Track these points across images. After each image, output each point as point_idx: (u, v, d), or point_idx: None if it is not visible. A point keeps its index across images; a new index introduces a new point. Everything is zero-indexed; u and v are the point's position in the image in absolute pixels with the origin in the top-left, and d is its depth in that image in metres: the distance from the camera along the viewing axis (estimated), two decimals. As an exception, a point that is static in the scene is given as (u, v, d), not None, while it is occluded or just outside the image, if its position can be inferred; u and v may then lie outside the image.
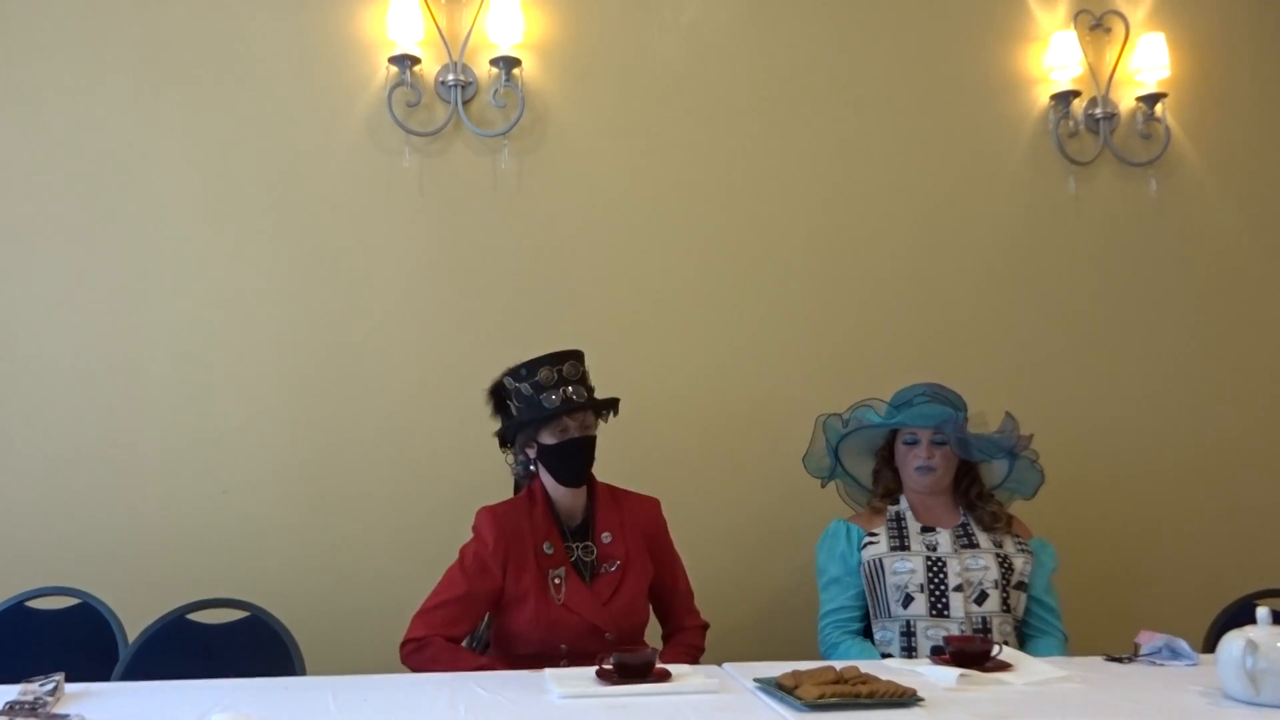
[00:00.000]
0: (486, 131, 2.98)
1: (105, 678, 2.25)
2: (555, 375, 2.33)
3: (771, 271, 3.07)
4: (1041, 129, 3.20)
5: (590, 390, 2.39)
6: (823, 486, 2.70)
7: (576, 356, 2.39)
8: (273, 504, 2.87)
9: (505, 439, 2.45)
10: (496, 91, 2.97)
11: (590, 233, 3.02)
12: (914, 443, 2.52)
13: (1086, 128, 3.22)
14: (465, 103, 2.97)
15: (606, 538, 2.39)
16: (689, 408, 2.98)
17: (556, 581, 2.33)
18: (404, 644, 2.28)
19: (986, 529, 2.51)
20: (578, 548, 2.39)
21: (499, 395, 2.46)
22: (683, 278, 3.05)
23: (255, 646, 2.44)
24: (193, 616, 2.49)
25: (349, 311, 2.94)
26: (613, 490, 2.48)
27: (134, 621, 2.48)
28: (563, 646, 2.27)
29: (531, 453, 2.40)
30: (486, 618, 2.43)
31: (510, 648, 2.33)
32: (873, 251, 3.11)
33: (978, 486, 2.56)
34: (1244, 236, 3.26)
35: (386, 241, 2.96)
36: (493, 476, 2.91)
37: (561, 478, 2.38)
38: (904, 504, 2.54)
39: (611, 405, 2.41)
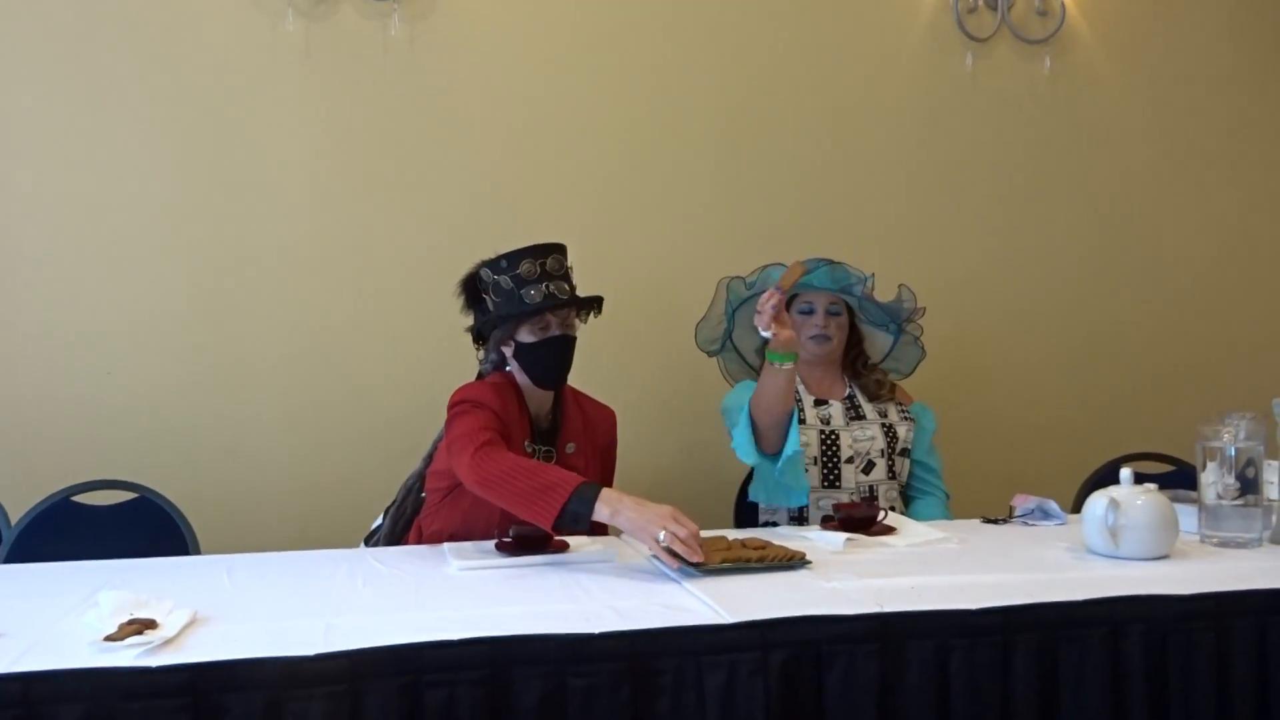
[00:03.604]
0: (374, -6, 2.84)
1: (-12, 564, 2.19)
2: (538, 269, 2.18)
3: (674, 143, 3.03)
4: (942, 3, 3.18)
5: (573, 287, 2.24)
6: (710, 355, 2.68)
7: (560, 250, 2.24)
8: (159, 384, 2.79)
9: (479, 335, 2.30)
10: (384, -49, 2.82)
11: (486, 104, 2.93)
12: (809, 312, 2.54)
13: (985, 4, 3.21)
14: (351, -38, 2.81)
15: (570, 448, 2.29)
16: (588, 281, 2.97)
17: None
18: (474, 455, 2.01)
19: (872, 398, 2.57)
20: (541, 451, 2.27)
21: (473, 287, 2.27)
22: (584, 151, 2.99)
23: (146, 528, 2.40)
24: (79, 499, 2.42)
25: (235, 181, 2.82)
26: (577, 395, 2.37)
27: (17, 510, 2.41)
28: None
29: (508, 351, 2.24)
30: (410, 507, 2.33)
31: (469, 532, 2.17)
32: (773, 127, 3.09)
33: (864, 357, 2.63)
34: (1133, 115, 3.32)
35: (273, 110, 2.83)
36: (391, 353, 2.89)
37: (539, 379, 2.23)
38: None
39: (596, 304, 2.26)
